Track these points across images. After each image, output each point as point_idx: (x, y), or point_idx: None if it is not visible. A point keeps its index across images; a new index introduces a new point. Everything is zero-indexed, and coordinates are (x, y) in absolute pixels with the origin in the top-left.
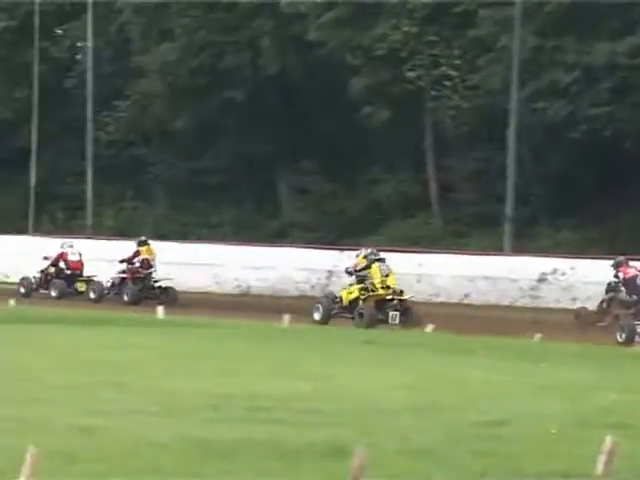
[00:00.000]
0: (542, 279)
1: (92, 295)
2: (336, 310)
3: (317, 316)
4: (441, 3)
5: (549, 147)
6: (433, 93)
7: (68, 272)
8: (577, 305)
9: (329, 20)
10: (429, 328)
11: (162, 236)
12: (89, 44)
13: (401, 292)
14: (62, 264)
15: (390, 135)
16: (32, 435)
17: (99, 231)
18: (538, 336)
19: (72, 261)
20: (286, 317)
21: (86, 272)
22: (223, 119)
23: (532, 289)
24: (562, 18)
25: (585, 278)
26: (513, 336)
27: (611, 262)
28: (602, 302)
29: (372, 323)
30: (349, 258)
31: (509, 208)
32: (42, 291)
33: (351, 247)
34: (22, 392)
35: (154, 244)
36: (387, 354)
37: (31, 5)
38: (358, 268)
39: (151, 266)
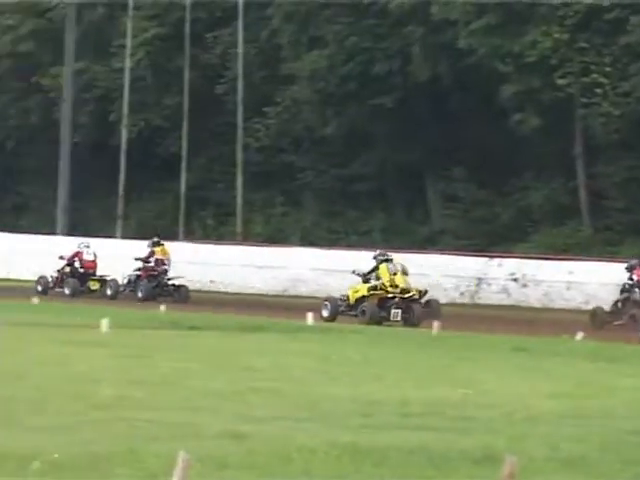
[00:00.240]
0: None
1: (108, 292)
2: (343, 308)
3: (325, 313)
4: (592, 10)
5: None
6: (583, 100)
7: (82, 271)
8: None
9: (479, 27)
10: (435, 327)
11: (311, 243)
12: (240, 51)
13: (425, 292)
14: (77, 263)
15: (540, 142)
16: (184, 440)
17: (248, 238)
18: None
19: (86, 260)
20: (435, 324)
21: (233, 278)
22: (373, 126)
23: None
24: None
25: None
26: None
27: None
28: (617, 302)
29: (373, 320)
30: (499, 266)
31: None
32: (57, 289)
33: (500, 254)
34: (176, 398)
35: (303, 250)
36: (536, 361)
37: (182, 12)
38: (367, 270)
39: (165, 265)
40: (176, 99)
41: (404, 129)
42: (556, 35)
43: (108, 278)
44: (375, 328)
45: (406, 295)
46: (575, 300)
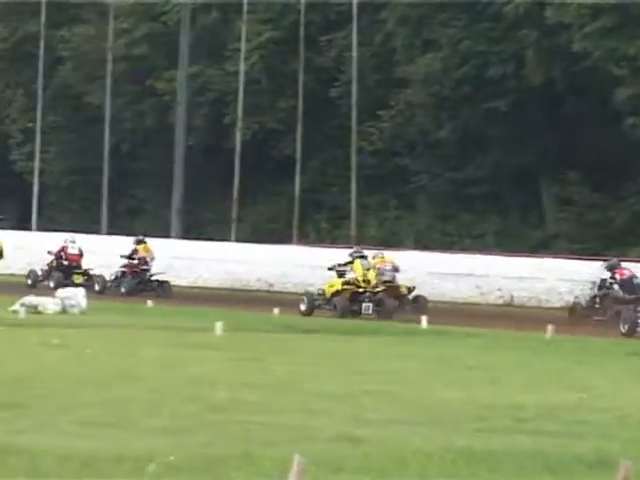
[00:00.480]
0: None
1: (97, 287)
2: (319, 302)
3: (303, 307)
4: None
5: None
6: None
7: (66, 264)
8: None
9: (594, 30)
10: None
11: (425, 246)
12: (354, 54)
13: (412, 288)
14: (62, 257)
15: None
16: (299, 444)
17: (362, 241)
18: None
19: (71, 254)
20: (550, 328)
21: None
22: (486, 129)
23: None
24: None
25: None
26: None
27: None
28: (594, 298)
29: (345, 314)
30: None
31: None
32: (45, 282)
33: (617, 258)
34: (291, 401)
35: (416, 254)
36: None
37: (297, 15)
38: (341, 264)
39: (147, 262)
40: (290, 102)
41: (518, 132)
42: None
43: (91, 272)
44: (490, 332)
45: (376, 290)
46: None
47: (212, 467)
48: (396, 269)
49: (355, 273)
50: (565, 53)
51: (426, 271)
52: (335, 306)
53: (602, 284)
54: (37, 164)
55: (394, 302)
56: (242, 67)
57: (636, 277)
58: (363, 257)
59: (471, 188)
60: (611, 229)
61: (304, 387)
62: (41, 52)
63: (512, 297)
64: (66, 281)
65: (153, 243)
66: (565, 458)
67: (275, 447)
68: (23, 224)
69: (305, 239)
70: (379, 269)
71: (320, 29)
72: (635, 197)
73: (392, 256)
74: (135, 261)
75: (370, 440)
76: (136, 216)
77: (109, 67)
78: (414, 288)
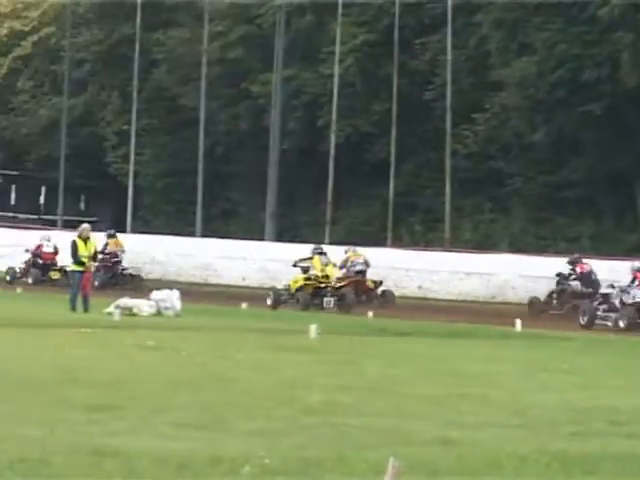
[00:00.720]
0: None
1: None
2: (285, 297)
3: (269, 302)
4: None
5: None
6: None
7: (41, 262)
8: None
9: None
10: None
11: (519, 249)
12: (448, 57)
13: (380, 283)
14: (39, 256)
15: None
16: (394, 447)
17: (457, 244)
18: None
19: (46, 252)
20: None
21: (441, 284)
22: (581, 132)
23: None
24: None
25: None
26: None
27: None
28: (552, 293)
29: (307, 307)
30: None
31: None
32: (24, 279)
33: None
34: (385, 404)
35: (511, 257)
36: None
37: (391, 18)
38: (302, 259)
39: (117, 256)
40: (385, 105)
41: (613, 136)
42: None
43: (69, 269)
44: (584, 335)
45: (337, 285)
46: None
47: (306, 470)
48: (367, 264)
49: (314, 269)
50: None
51: (520, 274)
52: (298, 300)
53: (560, 279)
54: (132, 167)
55: (355, 296)
56: (337, 70)
57: (594, 273)
58: (322, 254)
59: (565, 191)
60: None
61: (398, 390)
62: (136, 55)
63: None
64: (43, 277)
65: (247, 246)
66: None
67: (370, 450)
68: (117, 227)
69: (399, 242)
70: (352, 263)
71: (415, 32)
72: None
73: (363, 251)
74: (106, 255)
75: (465, 443)
76: (230, 219)
77: (204, 70)
78: (381, 283)
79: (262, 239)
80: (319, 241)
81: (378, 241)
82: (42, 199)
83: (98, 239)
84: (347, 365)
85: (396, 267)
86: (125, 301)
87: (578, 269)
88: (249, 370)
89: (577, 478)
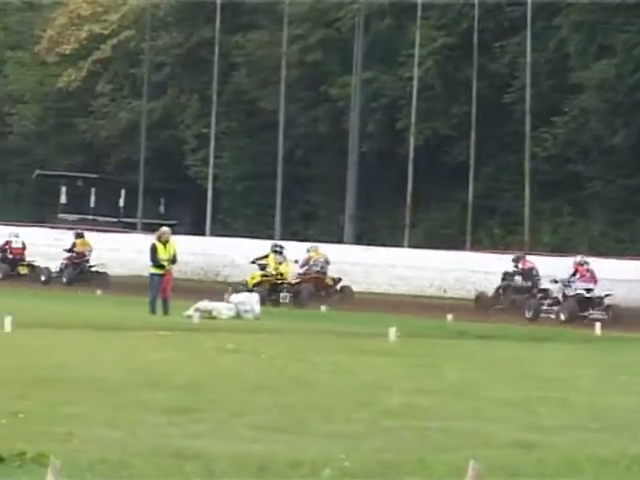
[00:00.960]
0: None
1: (42, 278)
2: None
3: (226, 296)
4: None
5: None
6: None
7: (11, 257)
8: None
9: None
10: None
11: (599, 252)
12: (528, 60)
13: (339, 279)
14: (7, 251)
15: None
16: (473, 449)
17: (536, 247)
18: None
19: (14, 248)
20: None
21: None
22: None
23: None
24: None
25: None
26: None
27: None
28: (498, 289)
29: (263, 303)
30: None
31: None
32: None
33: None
34: (465, 407)
35: (590, 260)
36: None
37: (471, 22)
38: (259, 257)
39: (84, 255)
40: (464, 108)
41: None
42: None
43: (35, 264)
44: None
45: (294, 282)
46: None
47: (386, 472)
48: (327, 261)
49: (269, 266)
50: None
51: (599, 277)
52: None
53: (505, 275)
54: (211, 170)
55: (310, 293)
56: (416, 73)
57: (536, 269)
58: (278, 252)
59: None
60: None
61: (478, 393)
62: (216, 58)
63: None
64: (12, 272)
65: (325, 249)
66: None
67: (449, 452)
68: (197, 230)
69: (478, 245)
70: (313, 262)
71: (494, 35)
72: None
73: (324, 250)
74: (74, 254)
75: (544, 446)
76: (309, 222)
77: (283, 73)
78: (340, 279)
79: (341, 242)
80: (398, 244)
81: (457, 244)
82: (122, 202)
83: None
84: (426, 368)
85: (475, 270)
86: (205, 304)
87: (520, 265)
88: (328, 373)
89: None
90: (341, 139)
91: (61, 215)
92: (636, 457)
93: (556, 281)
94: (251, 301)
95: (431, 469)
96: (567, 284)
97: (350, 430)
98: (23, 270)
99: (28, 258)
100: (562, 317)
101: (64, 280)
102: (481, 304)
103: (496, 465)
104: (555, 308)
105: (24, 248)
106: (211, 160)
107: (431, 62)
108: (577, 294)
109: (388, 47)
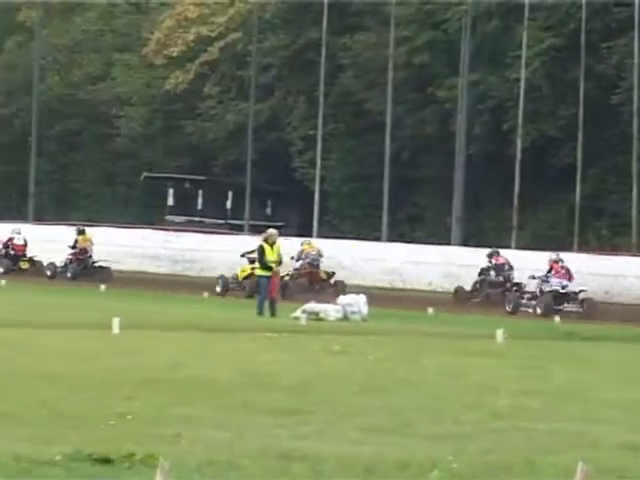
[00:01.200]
0: None
1: (48, 273)
2: (233, 285)
3: (218, 289)
4: None
5: None
6: None
7: (12, 253)
8: None
9: None
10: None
11: None
12: (635, 61)
13: (332, 273)
14: (10, 247)
15: None
16: (582, 451)
17: None
18: None
19: (16, 244)
20: None
21: (629, 289)
22: None
23: None
24: None
25: None
26: None
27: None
28: (475, 283)
29: (251, 295)
30: None
31: None
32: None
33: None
34: (573, 409)
35: None
36: None
37: (578, 23)
38: (249, 251)
39: (87, 251)
40: (571, 110)
41: None
42: None
43: (36, 259)
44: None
45: (289, 275)
46: None
47: (494, 474)
48: (320, 255)
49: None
50: None
51: None
52: (244, 288)
53: (482, 271)
54: (318, 171)
55: (298, 286)
56: (523, 74)
57: (509, 264)
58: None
59: None
60: None
61: (586, 395)
62: (322, 59)
63: None
64: (13, 267)
65: (431, 250)
66: None
67: (557, 454)
68: (304, 231)
69: (586, 246)
70: (306, 255)
71: (601, 36)
72: None
73: (317, 243)
74: (77, 250)
75: None
76: (416, 223)
77: (390, 75)
78: (334, 273)
79: (448, 244)
80: (505, 246)
81: (564, 246)
82: (229, 204)
83: (284, 244)
84: (534, 370)
85: (582, 272)
86: (312, 306)
87: (494, 261)
88: (436, 374)
89: None
90: (448, 141)
91: (168, 217)
92: None
93: (534, 277)
94: (358, 303)
95: (539, 471)
96: (545, 280)
97: (458, 432)
98: (24, 265)
99: (136, 260)
100: (538, 311)
101: (69, 275)
102: (459, 298)
103: (604, 467)
104: (533, 302)
105: (25, 244)
106: (318, 162)
107: (538, 63)
108: (553, 290)
109: (495, 48)
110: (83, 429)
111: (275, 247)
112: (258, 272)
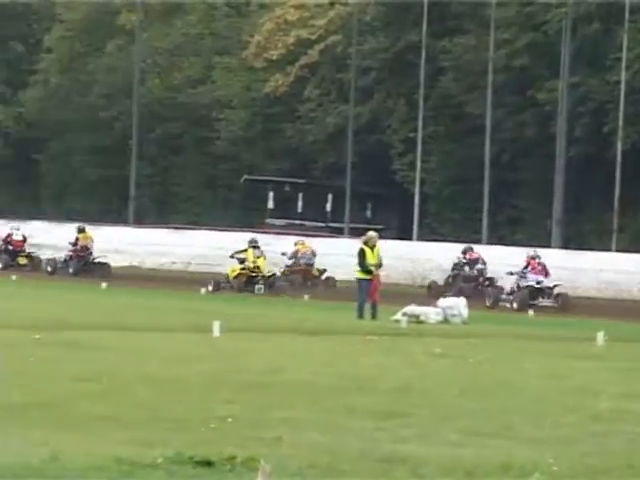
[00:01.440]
0: None
1: (49, 269)
2: (223, 284)
3: (210, 288)
4: None
5: None
6: None
7: (11, 249)
8: None
9: None
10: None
11: None
12: None
13: (324, 271)
14: (9, 243)
15: None
16: None
17: None
18: None
19: (15, 240)
20: None
21: None
22: None
23: None
24: None
25: None
26: None
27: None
28: (448, 277)
29: (241, 292)
30: None
31: None
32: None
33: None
34: None
35: None
36: None
37: None
38: (238, 251)
39: (87, 248)
40: None
41: None
42: None
43: (34, 255)
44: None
45: (268, 274)
46: None
47: (594, 478)
48: (314, 254)
49: (248, 260)
50: None
51: None
52: (233, 286)
53: (455, 266)
54: (418, 174)
55: (284, 285)
56: (623, 76)
57: (482, 259)
58: (256, 247)
59: None
60: None
61: None
62: (422, 62)
63: None
64: (12, 262)
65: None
66: None
67: None
68: (403, 234)
69: None
70: (301, 254)
71: None
72: None
73: (310, 242)
74: (78, 247)
75: None
76: (516, 226)
77: (490, 77)
78: (325, 271)
79: (548, 246)
80: (606, 249)
81: None
82: (329, 206)
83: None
84: (636, 372)
85: None
86: (412, 308)
87: (468, 256)
88: (536, 377)
89: None
90: (548, 143)
91: (269, 220)
92: None
93: (512, 273)
94: (459, 305)
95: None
96: (522, 276)
97: (558, 435)
98: (22, 261)
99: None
100: (515, 305)
101: (70, 271)
102: (432, 292)
103: None
104: (511, 297)
105: (24, 240)
106: (418, 164)
107: (638, 65)
108: (529, 285)
109: (595, 51)
110: (184, 432)
111: (375, 250)
112: (358, 275)
